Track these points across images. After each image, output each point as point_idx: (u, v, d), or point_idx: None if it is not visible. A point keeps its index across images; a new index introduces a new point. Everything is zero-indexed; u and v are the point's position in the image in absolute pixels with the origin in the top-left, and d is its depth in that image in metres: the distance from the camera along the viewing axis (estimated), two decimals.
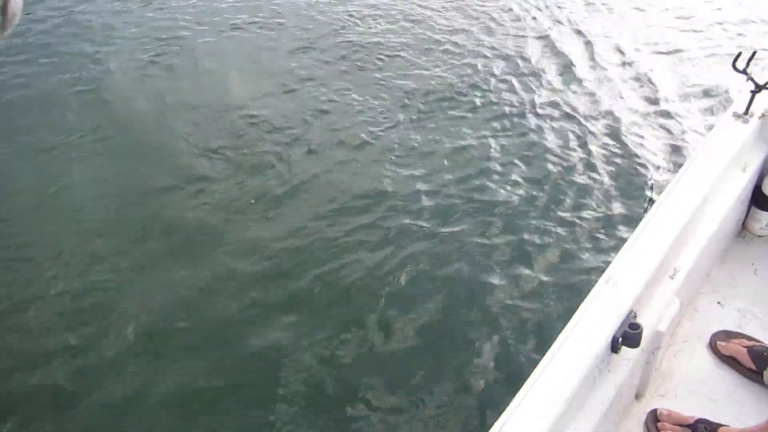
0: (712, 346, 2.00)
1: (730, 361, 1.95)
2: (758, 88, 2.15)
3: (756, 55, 2.11)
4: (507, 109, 4.65)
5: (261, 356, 2.87)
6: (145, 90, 4.98)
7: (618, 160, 4.08)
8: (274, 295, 3.18)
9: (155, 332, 3.03)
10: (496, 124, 4.45)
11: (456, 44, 5.56)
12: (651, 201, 3.61)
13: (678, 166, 3.93)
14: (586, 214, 3.63)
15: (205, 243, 3.51)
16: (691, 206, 2.01)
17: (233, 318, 3.08)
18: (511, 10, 6.24)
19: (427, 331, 2.93)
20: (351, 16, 6.08)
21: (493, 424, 1.35)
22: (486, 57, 5.36)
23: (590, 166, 4.03)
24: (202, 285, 3.27)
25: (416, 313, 3.01)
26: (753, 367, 1.89)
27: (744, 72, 2.11)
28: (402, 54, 5.41)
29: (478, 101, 4.72)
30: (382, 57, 5.37)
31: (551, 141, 4.31)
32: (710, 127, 2.77)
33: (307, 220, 3.64)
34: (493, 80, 5.00)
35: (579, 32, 5.84)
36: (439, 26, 5.90)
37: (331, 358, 2.85)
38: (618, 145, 4.25)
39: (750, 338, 2.00)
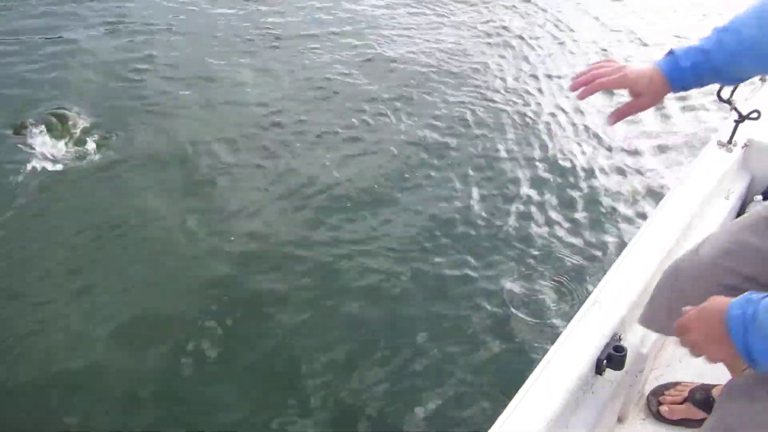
0: (658, 415, 1.87)
1: (685, 422, 1.83)
2: (741, 118, 2.20)
3: (739, 86, 2.17)
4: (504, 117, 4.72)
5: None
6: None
7: (605, 184, 4.15)
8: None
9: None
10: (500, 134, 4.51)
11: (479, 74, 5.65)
12: (637, 225, 3.66)
13: (664, 192, 4.00)
14: (572, 235, 3.67)
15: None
16: (676, 232, 2.04)
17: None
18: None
19: (410, 346, 2.93)
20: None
21: None
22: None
23: (576, 189, 4.09)
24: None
25: (401, 326, 3.00)
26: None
27: (728, 102, 2.16)
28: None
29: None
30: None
31: (539, 155, 4.38)
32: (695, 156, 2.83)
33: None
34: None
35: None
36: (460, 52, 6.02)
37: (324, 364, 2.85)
38: (605, 169, 4.33)
39: (674, 384, 1.91)
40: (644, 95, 1.42)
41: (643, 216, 3.81)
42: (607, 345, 1.65)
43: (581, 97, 1.51)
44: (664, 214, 2.15)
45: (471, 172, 4.20)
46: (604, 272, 1.85)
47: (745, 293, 1.08)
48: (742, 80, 1.55)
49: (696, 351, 1.15)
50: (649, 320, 1.71)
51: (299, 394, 2.71)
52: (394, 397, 2.71)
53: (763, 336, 1.00)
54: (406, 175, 4.14)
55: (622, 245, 3.42)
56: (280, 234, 3.63)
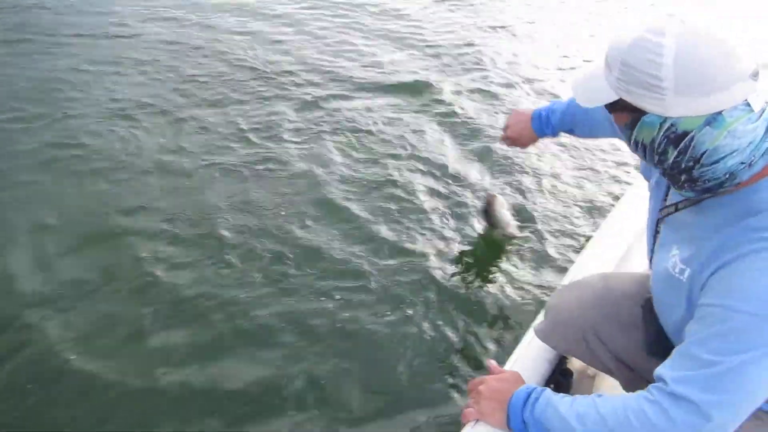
0: None
1: None
2: None
3: None
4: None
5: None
6: None
7: (558, 197, 4.05)
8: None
9: None
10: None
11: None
12: (581, 244, 3.55)
13: (611, 202, 3.92)
14: (517, 257, 3.43)
15: None
16: (620, 251, 2.03)
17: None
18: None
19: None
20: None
21: None
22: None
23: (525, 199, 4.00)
24: None
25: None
26: None
27: None
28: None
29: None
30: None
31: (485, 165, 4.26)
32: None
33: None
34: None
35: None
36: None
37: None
38: (557, 175, 4.23)
39: None
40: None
41: (589, 232, 3.73)
42: (554, 369, 1.61)
43: None
44: (609, 230, 2.14)
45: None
46: (550, 292, 1.81)
47: (528, 387, 1.32)
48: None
49: (476, 414, 1.37)
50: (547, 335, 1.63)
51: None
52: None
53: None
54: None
55: (568, 264, 3.34)
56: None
